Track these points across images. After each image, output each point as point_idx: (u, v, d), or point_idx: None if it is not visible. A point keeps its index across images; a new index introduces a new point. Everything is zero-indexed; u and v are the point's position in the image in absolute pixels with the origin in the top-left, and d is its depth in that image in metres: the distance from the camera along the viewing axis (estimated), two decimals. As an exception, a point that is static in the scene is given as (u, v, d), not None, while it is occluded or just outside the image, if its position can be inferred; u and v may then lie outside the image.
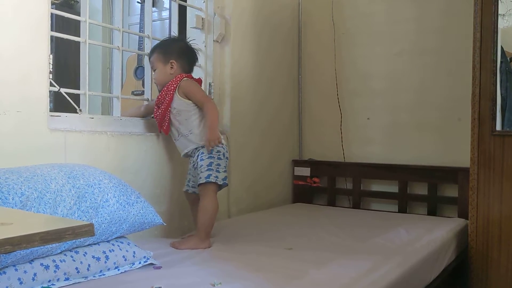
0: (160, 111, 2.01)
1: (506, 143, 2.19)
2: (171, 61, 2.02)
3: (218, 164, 1.91)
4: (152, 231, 2.05)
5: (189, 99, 1.98)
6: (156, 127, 2.18)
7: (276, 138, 2.98)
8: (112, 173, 1.65)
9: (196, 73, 2.55)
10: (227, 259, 1.68)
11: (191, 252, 1.76)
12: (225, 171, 1.93)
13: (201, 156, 1.93)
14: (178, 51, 2.05)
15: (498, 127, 2.22)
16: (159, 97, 2.01)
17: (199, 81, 2.10)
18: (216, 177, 1.89)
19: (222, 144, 1.96)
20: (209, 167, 1.89)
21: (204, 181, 1.88)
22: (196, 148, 1.97)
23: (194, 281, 1.41)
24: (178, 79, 2.00)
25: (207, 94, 2.55)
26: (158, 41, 2.16)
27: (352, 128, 3.02)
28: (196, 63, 2.17)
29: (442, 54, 2.73)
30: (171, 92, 1.97)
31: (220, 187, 1.93)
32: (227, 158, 1.97)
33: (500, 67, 2.23)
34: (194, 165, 1.98)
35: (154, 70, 2.06)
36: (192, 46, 2.13)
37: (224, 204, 2.51)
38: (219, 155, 1.92)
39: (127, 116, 2.12)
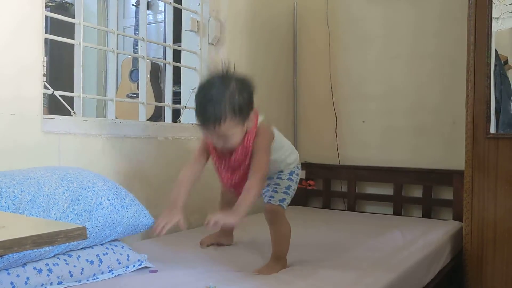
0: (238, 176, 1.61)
1: (500, 146, 2.19)
2: (250, 115, 1.51)
3: (294, 190, 1.74)
4: (147, 234, 2.04)
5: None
6: (152, 129, 2.18)
7: (271, 141, 2.97)
8: (106, 176, 1.65)
9: (192, 75, 2.56)
10: (222, 262, 1.67)
11: (186, 255, 1.75)
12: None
13: (281, 174, 1.72)
14: (250, 98, 1.50)
15: (493, 130, 2.22)
16: (234, 158, 1.57)
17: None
18: (288, 203, 1.71)
19: (299, 166, 1.78)
20: (286, 190, 1.70)
21: (277, 203, 1.66)
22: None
23: (189, 284, 1.41)
24: (254, 132, 1.56)
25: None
26: (212, 94, 1.44)
27: (347, 131, 3.02)
28: None
29: (437, 58, 2.74)
30: (250, 148, 1.55)
31: None
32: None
33: (494, 70, 2.24)
34: (273, 176, 1.73)
35: (225, 137, 1.48)
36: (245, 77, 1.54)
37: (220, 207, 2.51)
38: (297, 179, 1.75)
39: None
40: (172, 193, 1.57)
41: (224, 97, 1.43)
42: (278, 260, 1.65)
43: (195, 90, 1.53)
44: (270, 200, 1.68)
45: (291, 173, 1.74)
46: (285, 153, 1.75)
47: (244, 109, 1.47)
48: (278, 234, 1.68)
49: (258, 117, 1.58)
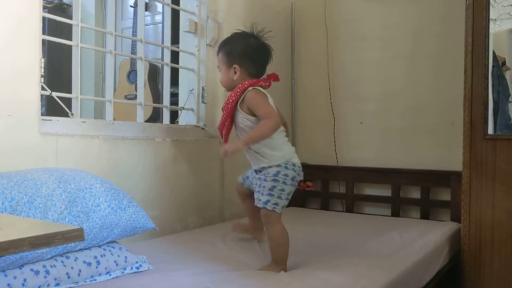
0: (221, 120, 1.75)
1: (498, 147, 2.20)
2: (234, 65, 1.70)
3: (282, 190, 1.65)
4: (144, 235, 2.04)
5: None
6: (150, 130, 2.18)
7: (269, 142, 2.97)
8: (104, 178, 1.64)
9: (189, 77, 2.56)
10: (220, 263, 1.67)
11: (184, 256, 1.75)
12: (287, 198, 1.67)
13: (266, 176, 1.67)
14: (242, 52, 1.71)
15: (490, 131, 2.23)
16: (224, 104, 1.72)
17: (274, 77, 1.75)
18: (276, 204, 1.63)
19: (294, 165, 1.70)
20: (270, 192, 1.64)
21: (261, 206, 1.65)
22: (266, 167, 1.69)
23: (187, 285, 1.41)
24: (241, 89, 1.66)
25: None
26: (232, 36, 1.80)
27: (345, 132, 3.02)
28: (269, 63, 1.79)
29: (435, 58, 2.74)
30: (231, 105, 1.67)
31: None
32: (295, 183, 1.70)
33: (492, 71, 2.24)
34: (261, 177, 1.70)
35: (220, 68, 1.79)
36: (265, 43, 1.77)
37: (217, 209, 2.50)
38: (285, 179, 1.66)
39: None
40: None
41: (233, 41, 1.76)
42: (276, 264, 1.64)
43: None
44: (257, 202, 1.68)
45: (276, 174, 1.66)
46: (270, 146, 1.69)
47: (232, 55, 1.72)
48: (270, 239, 1.68)
49: (250, 84, 1.69)
